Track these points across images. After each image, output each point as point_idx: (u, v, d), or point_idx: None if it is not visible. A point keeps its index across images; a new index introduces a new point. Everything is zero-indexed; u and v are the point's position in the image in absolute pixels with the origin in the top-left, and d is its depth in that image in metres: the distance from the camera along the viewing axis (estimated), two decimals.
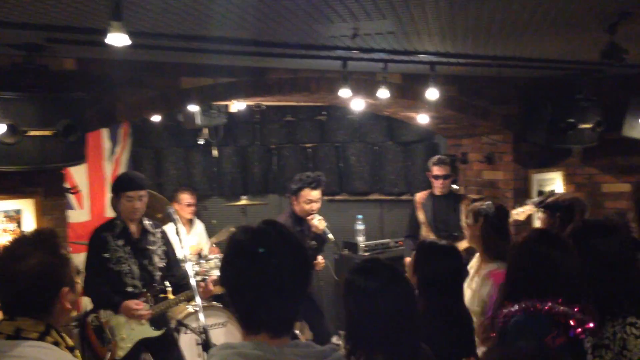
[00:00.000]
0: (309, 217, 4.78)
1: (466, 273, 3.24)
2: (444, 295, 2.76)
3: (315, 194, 4.81)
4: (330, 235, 4.75)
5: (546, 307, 2.21)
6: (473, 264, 3.58)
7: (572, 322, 2.18)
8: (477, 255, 3.59)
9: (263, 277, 1.47)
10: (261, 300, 1.48)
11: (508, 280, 2.49)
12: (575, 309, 2.21)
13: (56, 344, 1.85)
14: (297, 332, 4.12)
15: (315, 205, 4.82)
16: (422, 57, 4.07)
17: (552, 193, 5.60)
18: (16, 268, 1.83)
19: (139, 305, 3.87)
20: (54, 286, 1.88)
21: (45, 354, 1.79)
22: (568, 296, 2.25)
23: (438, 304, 2.74)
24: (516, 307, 2.29)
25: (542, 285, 2.29)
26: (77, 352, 1.96)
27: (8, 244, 1.93)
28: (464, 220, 3.65)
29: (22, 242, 1.92)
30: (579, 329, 2.18)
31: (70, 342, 1.93)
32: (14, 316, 1.84)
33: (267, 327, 1.49)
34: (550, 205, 3.69)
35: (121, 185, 3.99)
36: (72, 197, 5.38)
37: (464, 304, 2.96)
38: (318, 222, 4.76)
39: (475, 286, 3.34)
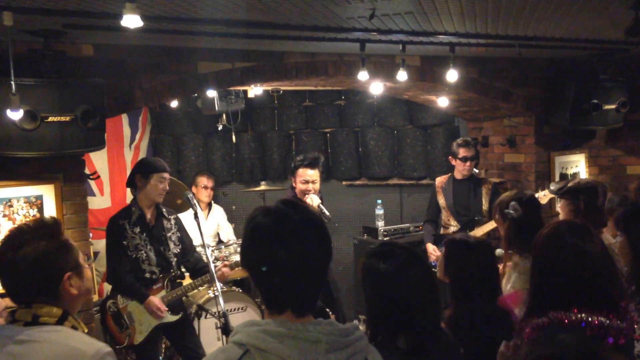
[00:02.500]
0: (305, 197, 4.73)
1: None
2: (479, 294, 2.68)
3: (312, 173, 4.76)
4: (326, 212, 4.67)
5: (573, 319, 1.90)
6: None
7: (610, 340, 1.85)
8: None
9: (288, 259, 1.47)
10: (286, 281, 1.49)
11: (533, 283, 2.16)
12: (611, 316, 1.90)
13: (74, 328, 1.87)
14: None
15: (312, 186, 4.76)
16: (441, 38, 4.00)
17: (572, 177, 5.51)
18: (14, 256, 1.83)
19: (162, 307, 3.93)
20: (54, 272, 1.87)
21: (66, 336, 1.80)
22: (606, 299, 1.94)
23: (474, 304, 2.66)
24: (543, 319, 1.97)
25: (572, 287, 1.97)
26: None
27: (8, 232, 1.93)
28: (493, 214, 3.53)
29: (21, 230, 1.91)
30: (622, 341, 1.88)
31: (85, 328, 1.94)
32: (29, 304, 1.85)
33: (292, 307, 1.50)
34: (573, 190, 3.57)
35: (155, 167, 4.01)
36: (93, 184, 5.44)
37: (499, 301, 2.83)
38: (310, 200, 4.69)
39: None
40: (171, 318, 4.02)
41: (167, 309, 3.97)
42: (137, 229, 3.96)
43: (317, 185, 4.81)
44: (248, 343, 1.44)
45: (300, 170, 4.78)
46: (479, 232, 4.90)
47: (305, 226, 1.51)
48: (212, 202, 6.31)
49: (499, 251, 3.58)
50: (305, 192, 4.75)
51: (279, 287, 1.50)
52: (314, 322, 1.50)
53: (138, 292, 3.93)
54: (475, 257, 2.75)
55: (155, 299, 3.93)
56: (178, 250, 4.13)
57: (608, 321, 1.88)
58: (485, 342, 2.52)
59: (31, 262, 1.83)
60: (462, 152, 5.21)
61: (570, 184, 3.68)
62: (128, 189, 5.57)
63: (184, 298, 4.20)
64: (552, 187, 3.99)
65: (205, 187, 6.08)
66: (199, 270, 4.15)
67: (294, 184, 4.87)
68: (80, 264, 1.96)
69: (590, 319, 1.89)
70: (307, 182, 4.76)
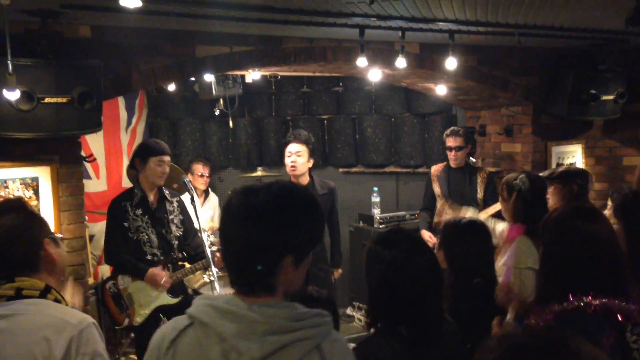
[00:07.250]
0: (293, 172, 4.54)
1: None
2: (473, 274, 2.76)
3: (291, 147, 4.55)
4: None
5: (599, 303, 1.85)
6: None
7: (620, 317, 1.84)
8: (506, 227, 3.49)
9: (233, 236, 1.50)
10: (225, 254, 1.54)
11: (545, 268, 2.07)
12: (622, 300, 1.87)
13: (57, 301, 1.87)
14: None
15: (293, 159, 4.53)
16: (441, 25, 3.98)
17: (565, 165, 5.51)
18: None
19: (164, 275, 3.93)
20: (35, 239, 1.89)
21: (50, 307, 1.82)
22: (617, 282, 1.91)
23: (467, 282, 2.74)
24: (566, 305, 1.89)
25: (587, 271, 1.92)
26: None
27: None
28: (499, 193, 3.54)
29: None
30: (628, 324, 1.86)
31: (67, 302, 1.95)
32: (11, 278, 1.84)
33: (234, 283, 1.53)
34: (565, 174, 3.57)
35: (153, 150, 3.99)
36: (89, 167, 5.42)
37: (494, 280, 2.91)
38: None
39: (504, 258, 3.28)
40: (172, 300, 4.02)
41: (169, 278, 3.96)
42: (139, 211, 3.96)
43: (301, 160, 4.55)
44: (194, 315, 1.48)
45: (287, 147, 4.60)
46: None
47: (262, 206, 1.48)
48: (209, 189, 6.29)
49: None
50: (291, 168, 4.54)
51: (229, 261, 1.53)
52: (263, 303, 1.46)
53: (137, 266, 3.93)
54: (469, 236, 2.83)
55: (156, 269, 3.92)
56: (180, 233, 4.13)
57: (633, 306, 1.86)
58: (475, 319, 2.57)
59: (8, 231, 1.84)
60: (448, 142, 5.24)
61: (560, 169, 3.69)
62: (124, 173, 5.59)
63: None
64: (541, 174, 3.98)
65: (201, 175, 6.05)
66: (198, 255, 4.15)
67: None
68: (55, 236, 1.99)
69: (611, 302, 1.86)
70: (291, 153, 4.54)
